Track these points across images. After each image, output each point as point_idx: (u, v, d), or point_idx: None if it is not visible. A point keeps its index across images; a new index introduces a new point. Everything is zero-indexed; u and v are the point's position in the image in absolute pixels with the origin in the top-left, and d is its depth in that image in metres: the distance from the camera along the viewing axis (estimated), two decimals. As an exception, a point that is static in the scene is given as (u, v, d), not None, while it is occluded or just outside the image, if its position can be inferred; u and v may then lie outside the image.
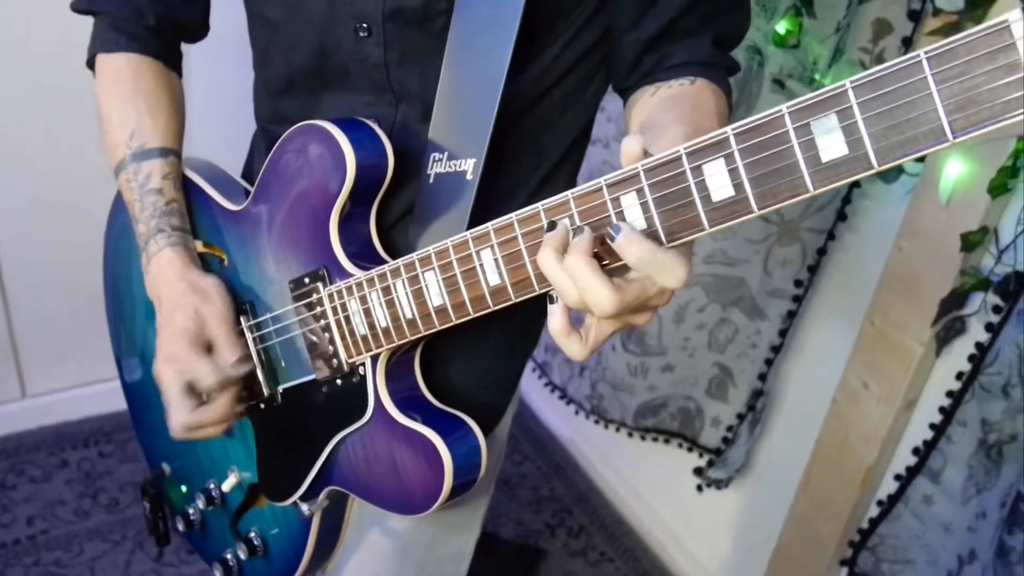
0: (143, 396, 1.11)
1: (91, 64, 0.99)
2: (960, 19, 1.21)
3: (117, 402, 2.27)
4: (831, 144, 0.51)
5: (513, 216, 0.66)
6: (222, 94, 1.63)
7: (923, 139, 0.48)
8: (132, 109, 0.94)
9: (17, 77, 1.95)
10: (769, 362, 1.59)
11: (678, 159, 0.57)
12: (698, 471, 1.82)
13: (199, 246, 0.97)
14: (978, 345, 1.23)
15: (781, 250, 1.53)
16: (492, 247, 0.68)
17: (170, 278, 0.90)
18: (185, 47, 1.04)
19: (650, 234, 0.60)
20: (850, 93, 0.50)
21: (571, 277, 0.61)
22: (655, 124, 0.78)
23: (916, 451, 1.33)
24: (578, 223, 0.63)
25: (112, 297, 1.13)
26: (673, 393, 1.80)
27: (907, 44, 1.25)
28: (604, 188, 0.61)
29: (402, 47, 0.84)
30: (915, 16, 1.25)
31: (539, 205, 0.65)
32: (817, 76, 1.40)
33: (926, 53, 0.47)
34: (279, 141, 0.86)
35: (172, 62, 1.01)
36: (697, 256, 1.57)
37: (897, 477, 1.37)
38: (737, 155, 0.55)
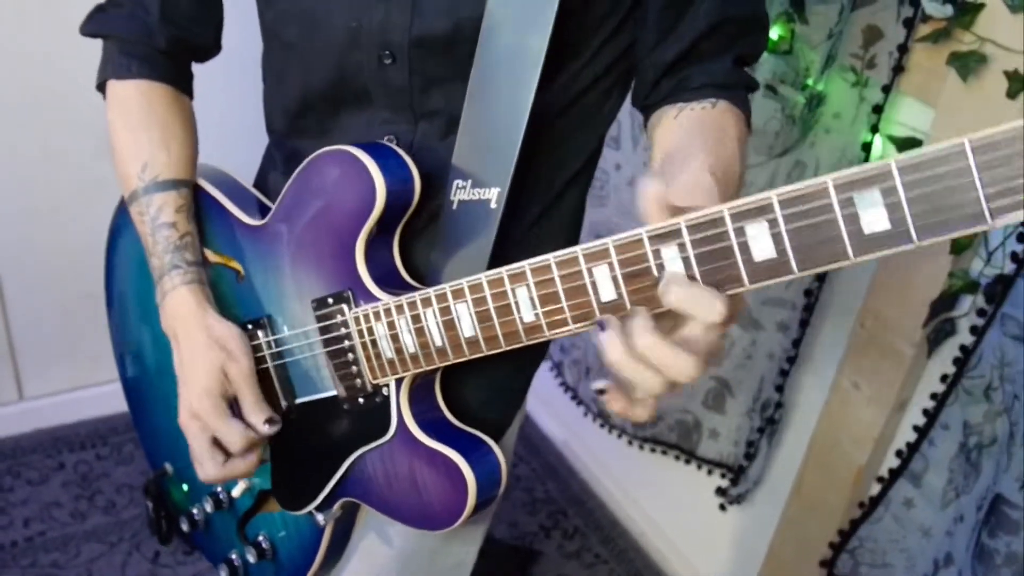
0: (144, 398, 1.12)
1: (101, 88, 0.98)
2: (949, 25, 1.24)
3: (113, 405, 2.31)
4: (874, 219, 0.54)
5: (551, 257, 0.68)
6: (231, 100, 1.61)
7: (963, 221, 0.51)
8: (145, 139, 0.93)
9: (12, 82, 1.91)
10: (785, 373, 1.58)
11: (721, 219, 0.60)
12: (720, 491, 1.81)
13: (211, 255, 0.97)
14: (962, 348, 1.24)
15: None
16: (528, 286, 0.70)
17: (188, 322, 0.90)
18: None
19: None
20: (895, 172, 0.52)
21: (647, 359, 0.62)
22: (680, 151, 0.80)
23: (899, 454, 1.35)
24: (618, 271, 0.65)
25: (114, 302, 1.13)
26: (670, 405, 1.81)
27: (902, 51, 1.27)
28: (645, 239, 0.63)
29: (427, 73, 0.84)
30: (908, 23, 1.28)
31: (577, 249, 0.66)
32: (810, 82, 1.42)
33: (971, 142, 0.50)
34: (304, 164, 0.86)
35: (183, 85, 1.00)
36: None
37: (880, 479, 1.38)
38: (781, 221, 0.57)
